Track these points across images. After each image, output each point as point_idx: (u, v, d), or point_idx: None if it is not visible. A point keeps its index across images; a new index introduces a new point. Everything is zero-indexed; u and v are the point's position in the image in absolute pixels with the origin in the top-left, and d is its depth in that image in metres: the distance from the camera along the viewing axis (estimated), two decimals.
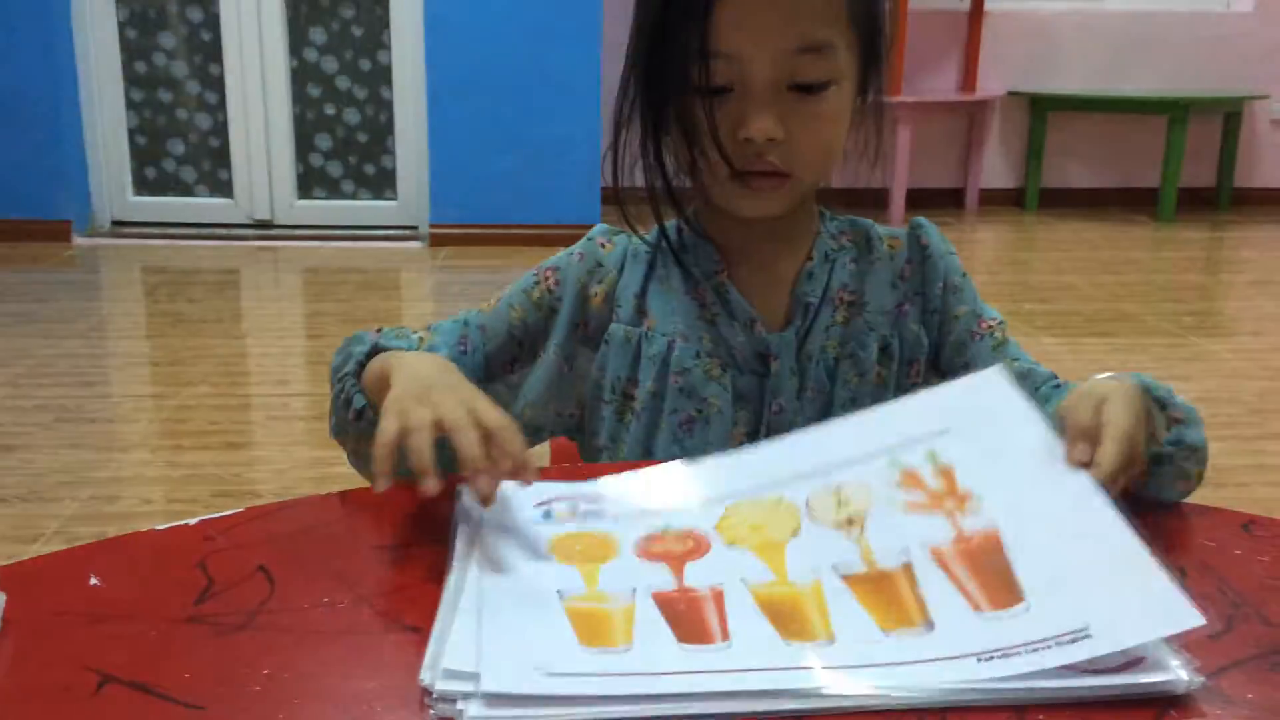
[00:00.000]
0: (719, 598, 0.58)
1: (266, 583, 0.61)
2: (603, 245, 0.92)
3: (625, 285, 0.90)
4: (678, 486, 0.71)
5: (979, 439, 0.67)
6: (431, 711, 0.49)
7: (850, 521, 0.63)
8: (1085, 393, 0.68)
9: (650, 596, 0.58)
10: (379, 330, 0.86)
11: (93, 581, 0.61)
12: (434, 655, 0.52)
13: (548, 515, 0.68)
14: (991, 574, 0.57)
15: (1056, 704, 0.50)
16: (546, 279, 0.91)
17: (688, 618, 0.57)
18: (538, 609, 0.58)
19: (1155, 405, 0.73)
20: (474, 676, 0.50)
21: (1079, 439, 0.64)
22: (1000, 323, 0.91)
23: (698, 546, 0.64)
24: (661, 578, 0.60)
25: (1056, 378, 0.86)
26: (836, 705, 0.50)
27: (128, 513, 2.10)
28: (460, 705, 0.49)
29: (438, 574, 0.61)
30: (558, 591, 0.59)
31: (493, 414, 0.67)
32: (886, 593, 0.58)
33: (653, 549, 0.64)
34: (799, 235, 0.90)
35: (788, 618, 0.56)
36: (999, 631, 0.53)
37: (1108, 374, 0.73)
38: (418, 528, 0.69)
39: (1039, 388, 0.84)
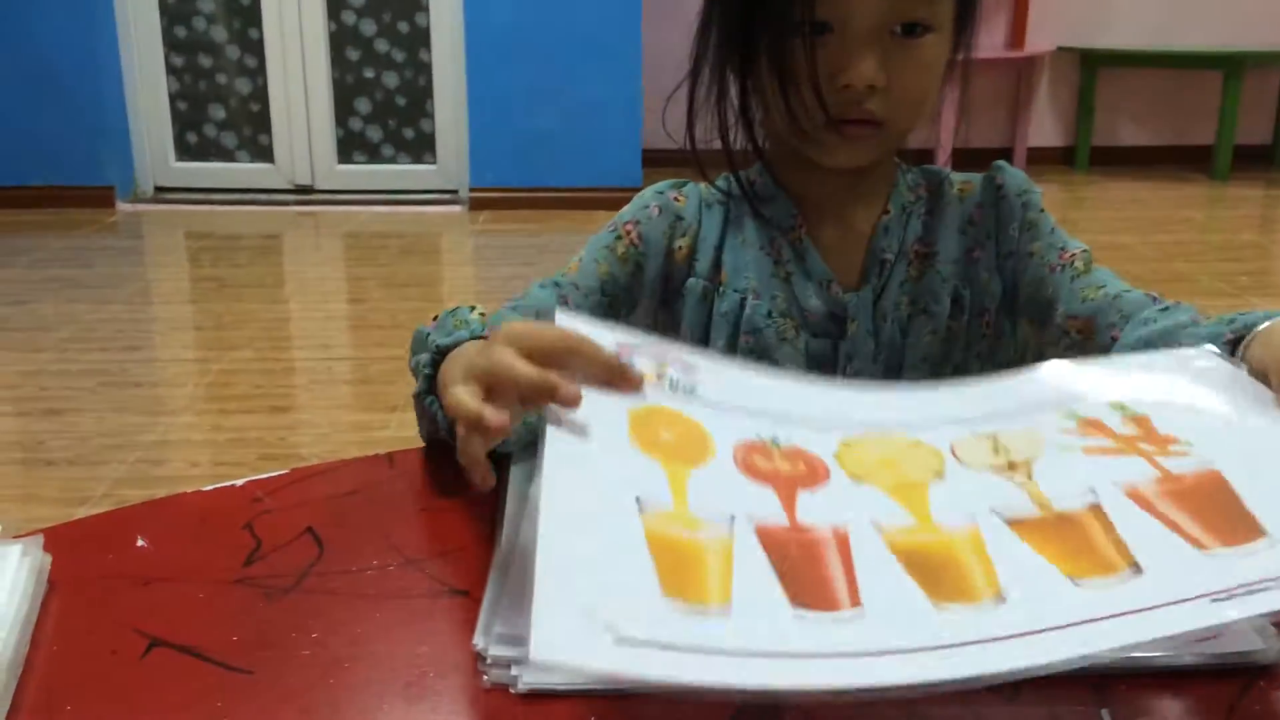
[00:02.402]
0: (844, 543, 0.47)
1: (315, 545, 0.60)
2: (676, 199, 0.87)
3: (704, 237, 0.86)
4: (785, 395, 0.57)
5: (1174, 394, 0.57)
6: (485, 678, 0.48)
7: (1012, 466, 0.52)
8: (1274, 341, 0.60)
9: (754, 532, 0.47)
10: (435, 319, 0.75)
11: (140, 543, 0.60)
12: (487, 619, 0.51)
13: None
14: (1215, 511, 0.48)
15: (1140, 673, 0.48)
16: (629, 233, 0.85)
17: (804, 569, 0.45)
18: (609, 531, 0.46)
19: None
20: (524, 642, 0.47)
21: None
22: (1084, 251, 0.85)
23: (812, 472, 0.51)
24: (768, 506, 0.48)
25: (1158, 298, 0.78)
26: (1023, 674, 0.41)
27: (174, 475, 2.12)
28: (515, 671, 0.47)
29: (489, 536, 0.59)
30: (636, 499, 0.47)
31: (544, 334, 0.55)
32: (1071, 537, 0.47)
33: (756, 463, 0.51)
34: (877, 188, 0.86)
35: (937, 572, 0.45)
36: (1236, 569, 0.44)
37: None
38: (466, 490, 0.67)
39: (1143, 312, 0.76)
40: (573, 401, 0.52)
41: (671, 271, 0.86)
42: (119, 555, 0.59)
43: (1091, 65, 5.26)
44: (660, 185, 0.89)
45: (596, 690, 0.47)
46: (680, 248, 0.86)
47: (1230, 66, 4.94)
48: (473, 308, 0.75)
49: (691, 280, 0.86)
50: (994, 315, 0.86)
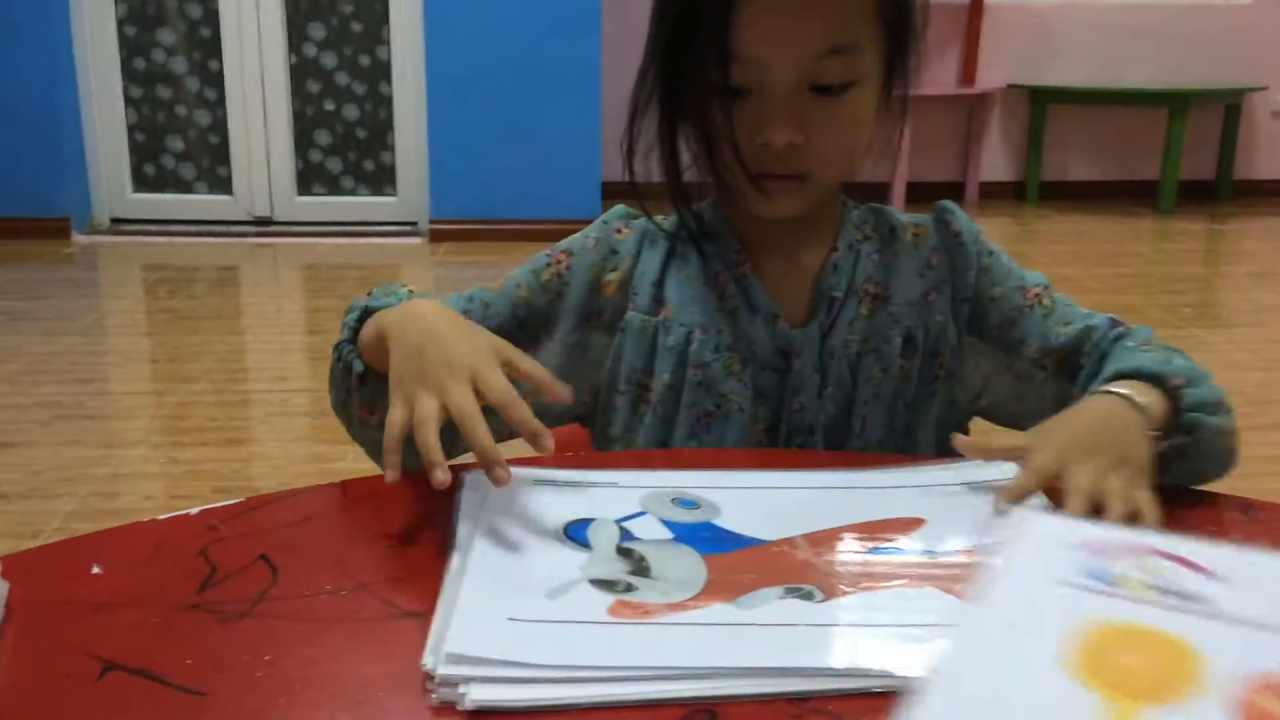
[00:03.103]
0: None
1: (269, 571, 0.61)
2: (618, 231, 0.89)
3: (642, 272, 0.88)
4: None
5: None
6: (434, 696, 0.49)
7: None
8: (1045, 453, 0.68)
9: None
10: (370, 294, 0.83)
11: (95, 570, 0.61)
12: (436, 639, 0.52)
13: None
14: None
15: None
16: (559, 262, 0.88)
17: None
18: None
19: (1150, 390, 0.73)
20: (477, 660, 0.50)
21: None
22: (1045, 287, 0.88)
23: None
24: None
25: (1119, 322, 0.84)
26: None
27: (128, 509, 2.10)
28: (463, 689, 0.49)
29: (440, 560, 0.61)
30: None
31: (497, 386, 0.66)
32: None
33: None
34: (822, 226, 0.88)
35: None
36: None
37: (1088, 398, 0.74)
38: (419, 515, 0.69)
39: (1098, 344, 0.83)
40: (499, 484, 0.64)
41: (598, 304, 0.88)
42: (74, 582, 0.60)
43: (1041, 102, 5.38)
44: (615, 212, 0.91)
45: (543, 706, 0.49)
46: (610, 282, 0.88)
47: (1175, 103, 5.07)
48: (404, 285, 0.83)
49: (631, 314, 0.87)
50: (947, 357, 0.88)
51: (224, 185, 4.67)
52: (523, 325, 0.87)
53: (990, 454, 0.71)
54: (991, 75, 5.39)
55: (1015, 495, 0.66)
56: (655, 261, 0.88)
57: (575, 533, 0.64)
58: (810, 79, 0.77)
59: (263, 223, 4.66)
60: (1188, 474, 0.73)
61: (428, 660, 0.51)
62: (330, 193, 4.72)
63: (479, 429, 0.64)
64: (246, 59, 4.53)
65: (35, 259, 4.13)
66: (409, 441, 0.65)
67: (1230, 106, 5.45)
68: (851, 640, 0.55)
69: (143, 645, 0.54)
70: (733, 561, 0.61)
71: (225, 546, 0.64)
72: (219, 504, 0.69)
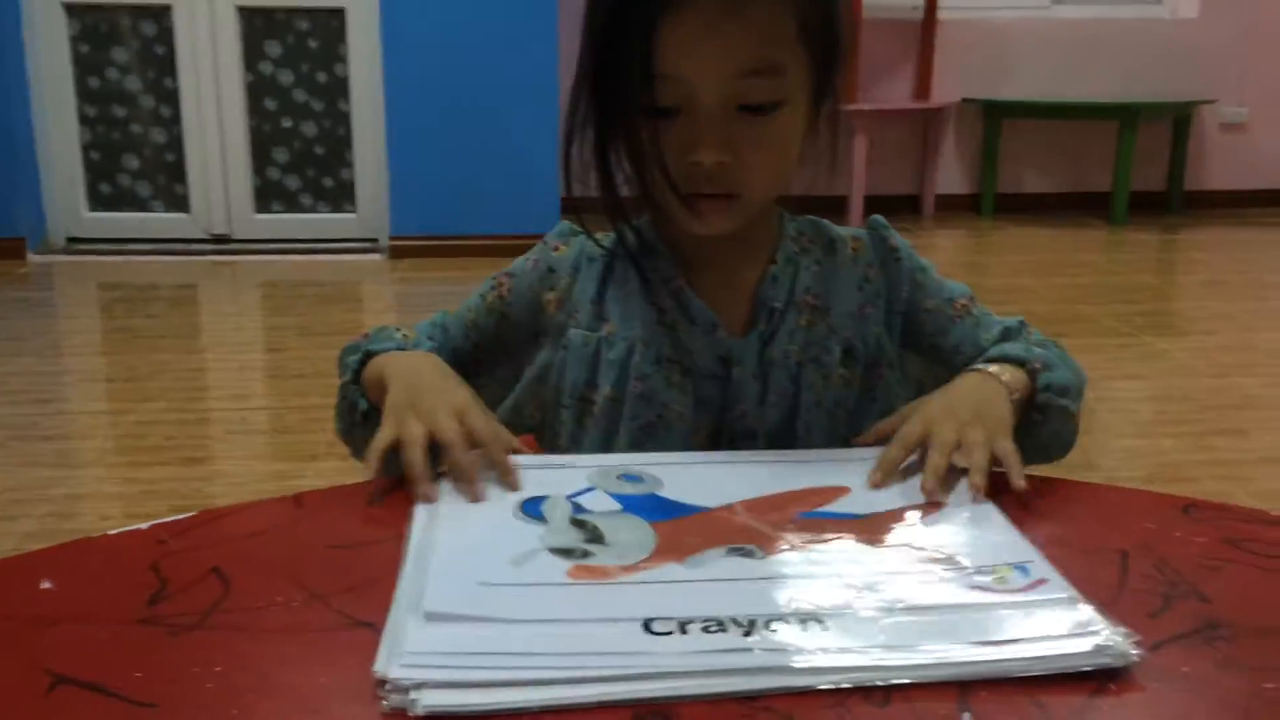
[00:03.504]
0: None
1: (220, 583, 0.61)
2: (556, 249, 0.91)
3: (581, 290, 0.89)
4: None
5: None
6: (384, 703, 0.49)
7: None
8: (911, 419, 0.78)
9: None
10: (366, 335, 0.90)
11: (44, 585, 0.61)
12: (388, 647, 0.53)
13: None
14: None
15: (998, 678, 0.52)
16: (501, 285, 0.92)
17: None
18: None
19: (1014, 370, 0.82)
20: (427, 666, 0.51)
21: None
22: (971, 298, 0.93)
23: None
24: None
25: (1026, 325, 0.92)
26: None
27: (85, 529, 2.08)
28: (414, 695, 0.49)
29: (392, 571, 0.61)
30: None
31: (481, 424, 0.75)
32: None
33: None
34: (759, 240, 0.89)
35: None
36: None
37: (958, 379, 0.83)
38: (372, 528, 0.69)
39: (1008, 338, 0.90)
40: (474, 500, 0.71)
41: (543, 323, 0.90)
42: (24, 597, 0.60)
43: (995, 116, 5.46)
44: (557, 229, 0.93)
45: (493, 709, 0.49)
46: (550, 301, 0.90)
47: (1125, 117, 5.17)
48: (398, 328, 0.91)
49: (573, 331, 0.88)
50: (886, 368, 0.90)
51: (181, 203, 4.64)
52: (476, 348, 0.92)
53: (875, 435, 0.81)
54: (946, 90, 5.46)
55: (884, 466, 0.75)
56: (593, 279, 0.89)
57: (530, 509, 0.69)
58: (736, 99, 0.77)
59: (221, 240, 4.62)
60: (1033, 450, 0.79)
61: (379, 667, 0.51)
62: (289, 210, 4.69)
63: (461, 455, 0.73)
64: (202, 76, 4.50)
65: None
66: (393, 457, 0.74)
67: (1179, 119, 5.56)
68: (791, 588, 0.60)
69: (93, 659, 0.54)
70: (678, 527, 0.67)
71: (176, 560, 0.64)
72: (170, 518, 0.69)
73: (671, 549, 0.63)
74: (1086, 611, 0.56)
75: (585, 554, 0.63)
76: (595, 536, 0.65)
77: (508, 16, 4.29)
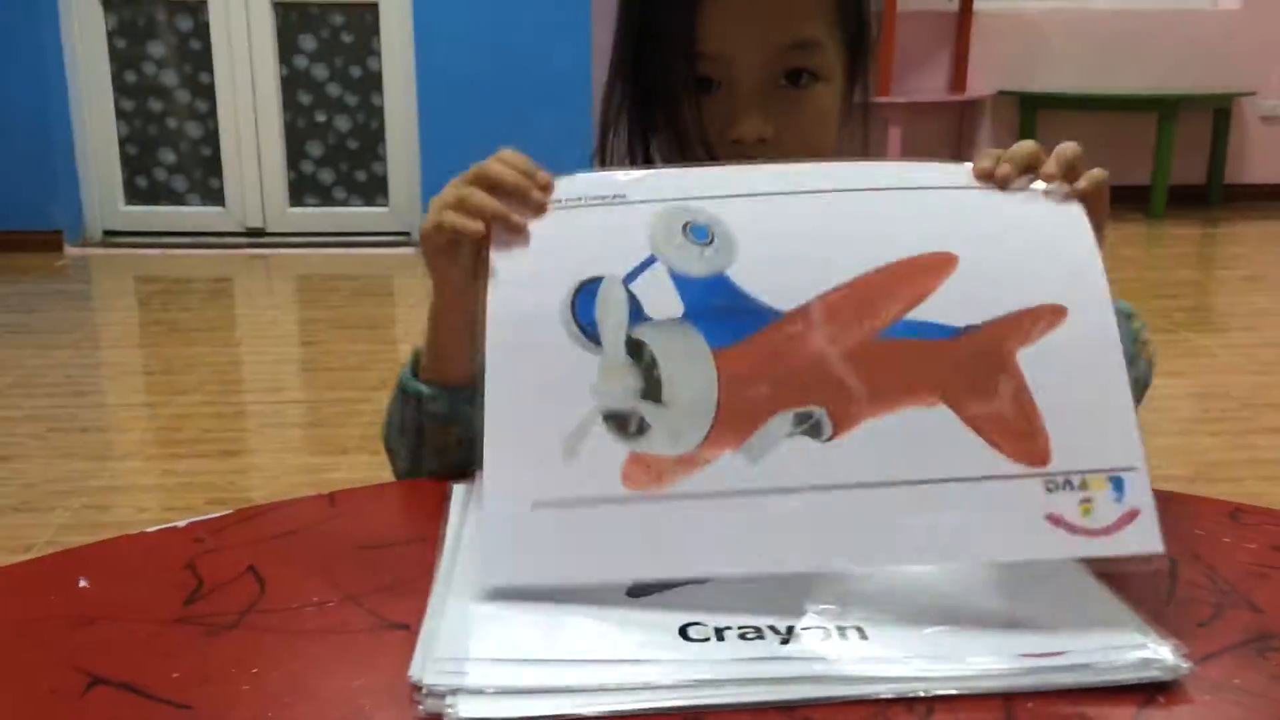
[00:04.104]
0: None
1: (256, 583, 0.61)
2: None
3: None
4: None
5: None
6: (420, 708, 0.49)
7: None
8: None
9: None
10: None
11: (81, 584, 0.61)
12: (424, 650, 0.52)
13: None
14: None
15: (1045, 691, 0.50)
16: None
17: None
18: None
19: None
20: (461, 673, 0.50)
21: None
22: None
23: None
24: None
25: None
26: None
27: (122, 521, 2.10)
28: (449, 700, 0.49)
29: (427, 572, 0.61)
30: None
31: (512, 157, 0.71)
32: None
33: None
34: None
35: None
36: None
37: None
38: (407, 527, 0.69)
39: None
40: (517, 230, 0.65)
41: None
42: (60, 596, 0.60)
43: (1030, 108, 5.40)
44: None
45: (533, 719, 0.49)
46: None
47: (1164, 108, 5.09)
48: None
49: None
50: None
51: (216, 197, 4.67)
52: None
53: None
54: (981, 82, 5.40)
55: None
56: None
57: (584, 314, 0.61)
58: (778, 73, 0.79)
59: (255, 234, 4.66)
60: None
61: (414, 671, 0.51)
62: (322, 204, 4.72)
63: (503, 170, 0.69)
64: (237, 71, 4.53)
65: (27, 272, 4.13)
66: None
67: (1219, 111, 5.47)
68: (839, 536, 0.56)
69: (129, 659, 0.54)
70: (743, 362, 0.60)
71: (212, 559, 0.64)
72: (206, 516, 0.69)
73: (732, 420, 0.58)
74: (1134, 621, 0.54)
75: (640, 427, 0.58)
76: (651, 380, 0.59)
77: (540, 11, 4.29)
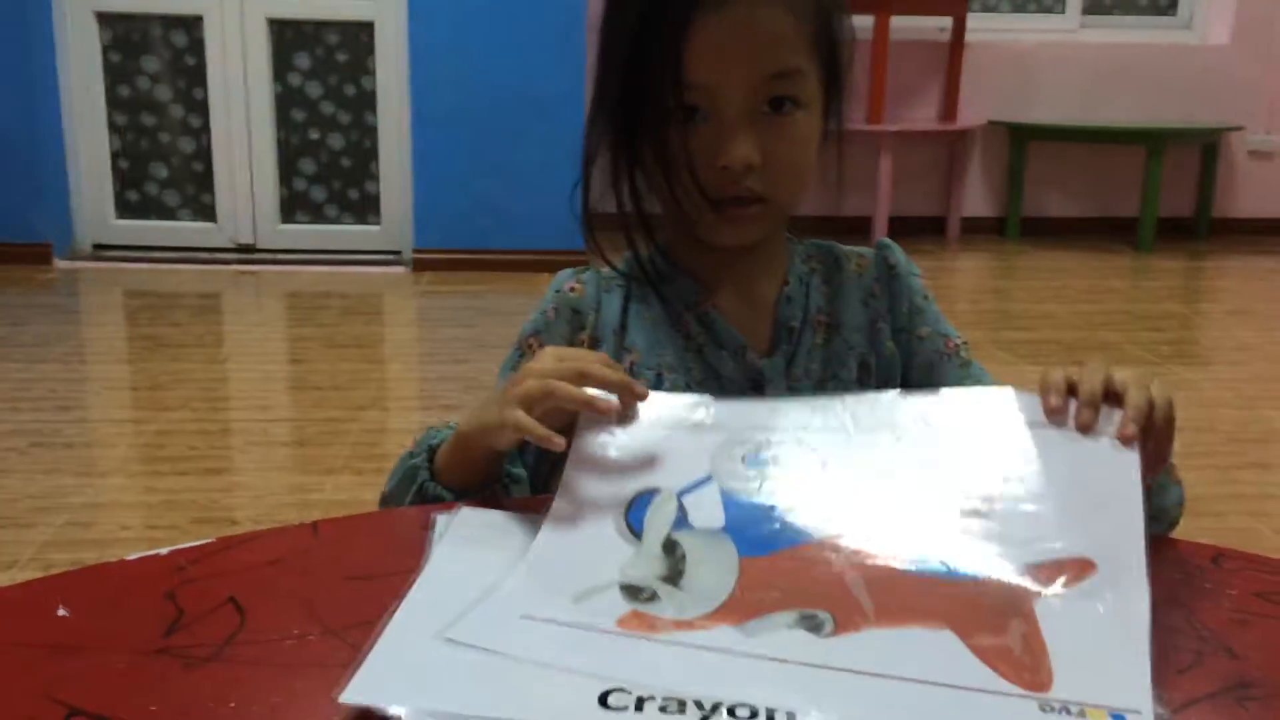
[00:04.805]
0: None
1: (236, 614, 0.61)
2: (572, 289, 0.90)
3: (604, 321, 0.89)
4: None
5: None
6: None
7: None
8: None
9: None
10: (415, 441, 0.84)
11: (60, 612, 0.61)
12: (362, 675, 0.52)
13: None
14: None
15: None
16: (531, 348, 0.89)
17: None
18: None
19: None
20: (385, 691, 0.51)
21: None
22: (964, 343, 0.93)
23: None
24: None
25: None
26: None
27: (104, 539, 2.08)
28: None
29: None
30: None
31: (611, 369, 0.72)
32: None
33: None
34: (774, 260, 0.91)
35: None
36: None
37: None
38: (389, 559, 0.68)
39: None
40: (620, 411, 0.70)
41: None
42: (39, 624, 0.59)
43: (1020, 139, 5.43)
44: (562, 276, 0.91)
45: None
46: (583, 340, 0.89)
47: (1152, 142, 5.13)
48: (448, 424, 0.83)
49: None
50: (899, 383, 0.90)
51: (208, 212, 4.67)
52: None
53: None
54: (972, 112, 5.44)
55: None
56: (615, 308, 0.90)
57: (635, 517, 0.66)
58: (761, 101, 0.80)
59: (246, 250, 4.65)
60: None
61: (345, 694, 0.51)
62: (314, 221, 4.71)
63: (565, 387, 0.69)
64: (231, 87, 4.54)
65: (15, 285, 4.11)
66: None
67: (1207, 146, 5.52)
68: (824, 687, 0.53)
69: (106, 690, 0.53)
70: (765, 570, 0.62)
71: (193, 588, 0.64)
72: (188, 544, 0.68)
73: (739, 607, 0.59)
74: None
75: (652, 597, 0.60)
76: (675, 573, 0.62)
77: (535, 34, 4.30)
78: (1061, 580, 0.60)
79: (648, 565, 0.63)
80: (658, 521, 0.65)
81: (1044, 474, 0.66)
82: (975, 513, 0.64)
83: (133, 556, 0.68)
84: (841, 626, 0.57)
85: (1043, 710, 0.52)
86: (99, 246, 4.61)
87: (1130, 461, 0.65)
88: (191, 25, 4.50)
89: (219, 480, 2.40)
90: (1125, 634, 0.57)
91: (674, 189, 0.82)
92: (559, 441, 0.68)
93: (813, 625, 0.57)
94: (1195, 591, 0.66)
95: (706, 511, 0.66)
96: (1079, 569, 0.61)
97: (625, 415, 0.70)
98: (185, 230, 4.66)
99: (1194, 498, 0.77)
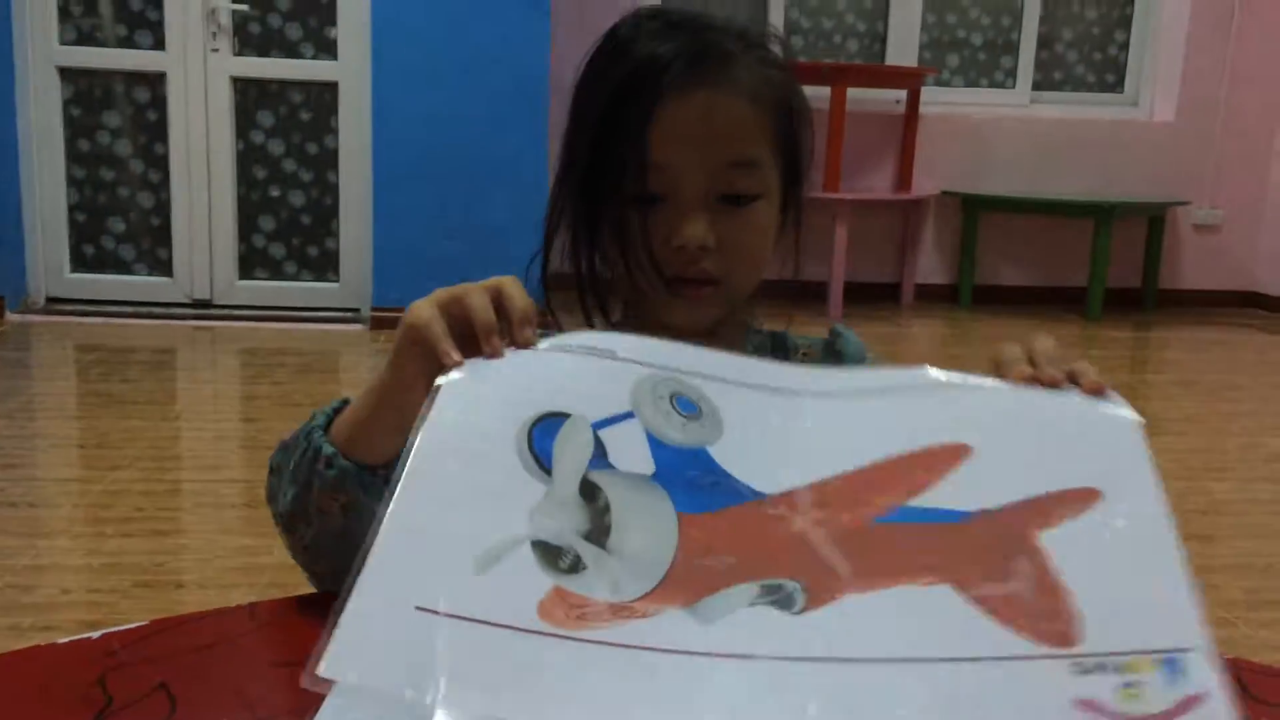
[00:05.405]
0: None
1: (167, 702, 0.61)
2: None
3: None
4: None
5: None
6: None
7: None
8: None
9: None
10: (311, 418, 0.82)
11: None
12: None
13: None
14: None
15: None
16: None
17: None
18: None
19: None
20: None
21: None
22: None
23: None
24: None
25: None
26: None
27: (44, 603, 2.05)
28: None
29: None
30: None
31: (519, 296, 0.69)
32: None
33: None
34: (731, 347, 0.91)
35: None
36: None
37: None
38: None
39: None
40: (495, 355, 0.63)
41: None
42: None
43: (973, 209, 5.55)
44: None
45: None
46: None
47: (1100, 215, 5.26)
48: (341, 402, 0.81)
49: None
50: None
51: (164, 267, 4.65)
52: None
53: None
54: (926, 182, 5.56)
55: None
56: None
57: (541, 441, 0.55)
58: (719, 189, 0.82)
59: (202, 305, 4.63)
60: None
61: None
62: (272, 277, 4.71)
63: (480, 297, 0.68)
64: (193, 143, 4.54)
65: None
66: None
67: (1154, 219, 5.67)
68: (809, 691, 0.45)
69: None
70: (711, 531, 0.51)
71: (124, 674, 0.64)
72: (121, 628, 0.68)
73: (685, 580, 0.49)
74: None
75: (573, 566, 0.49)
76: (600, 528, 0.51)
77: (498, 94, 4.36)
78: (1065, 509, 0.53)
79: (563, 513, 0.52)
80: (570, 453, 0.54)
81: (1023, 419, 0.59)
82: (954, 456, 0.56)
83: (64, 640, 0.67)
84: (815, 597, 0.48)
85: (1078, 672, 0.45)
86: (53, 300, 4.57)
87: (1117, 402, 0.62)
88: (155, 81, 4.51)
89: (165, 542, 2.37)
90: (1154, 558, 0.50)
91: (629, 265, 0.83)
92: (457, 358, 0.63)
93: (781, 599, 0.48)
94: None
95: (630, 452, 0.54)
96: (1081, 499, 0.53)
97: (523, 343, 0.63)
98: (141, 285, 4.63)
99: None
